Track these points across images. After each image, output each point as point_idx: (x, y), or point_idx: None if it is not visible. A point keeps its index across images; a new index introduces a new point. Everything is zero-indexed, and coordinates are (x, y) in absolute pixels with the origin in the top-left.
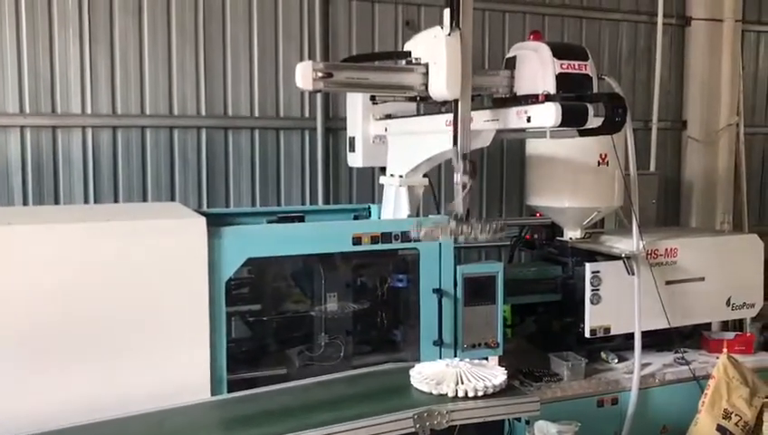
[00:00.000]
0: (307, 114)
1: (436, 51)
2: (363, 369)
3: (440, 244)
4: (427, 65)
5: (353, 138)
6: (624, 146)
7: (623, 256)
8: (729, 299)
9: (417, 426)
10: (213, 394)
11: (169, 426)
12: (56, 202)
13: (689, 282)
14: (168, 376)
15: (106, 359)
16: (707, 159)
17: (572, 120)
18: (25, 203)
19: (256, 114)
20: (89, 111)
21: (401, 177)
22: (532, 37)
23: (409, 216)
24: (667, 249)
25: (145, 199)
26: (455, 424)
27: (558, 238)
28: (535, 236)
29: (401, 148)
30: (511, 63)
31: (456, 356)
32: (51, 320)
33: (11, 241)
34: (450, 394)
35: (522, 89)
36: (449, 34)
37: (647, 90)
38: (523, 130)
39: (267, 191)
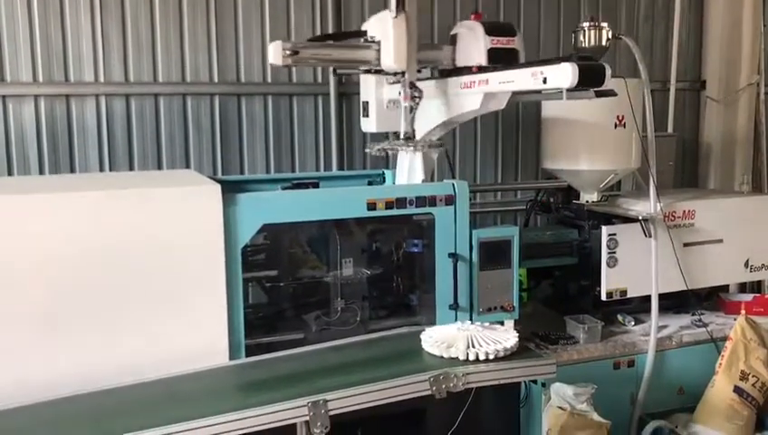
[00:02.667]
0: (320, 80)
1: (385, 30)
2: (376, 333)
3: (456, 209)
4: (379, 42)
5: (367, 102)
6: (642, 107)
7: (640, 218)
8: (747, 261)
9: (434, 388)
10: (231, 359)
11: (187, 390)
12: (72, 171)
13: (707, 244)
14: (186, 342)
15: (124, 326)
16: (726, 119)
17: (589, 80)
18: (42, 172)
19: (269, 80)
20: (102, 79)
21: (416, 141)
22: (473, 17)
23: (424, 181)
24: (684, 211)
25: (160, 167)
26: (471, 387)
27: (574, 201)
28: (551, 199)
29: (416, 112)
30: (453, 40)
31: (471, 320)
32: (68, 288)
33: (28, 210)
34: (461, 357)
35: (460, 61)
36: (396, 17)
37: (664, 50)
38: (539, 91)
39: (281, 158)
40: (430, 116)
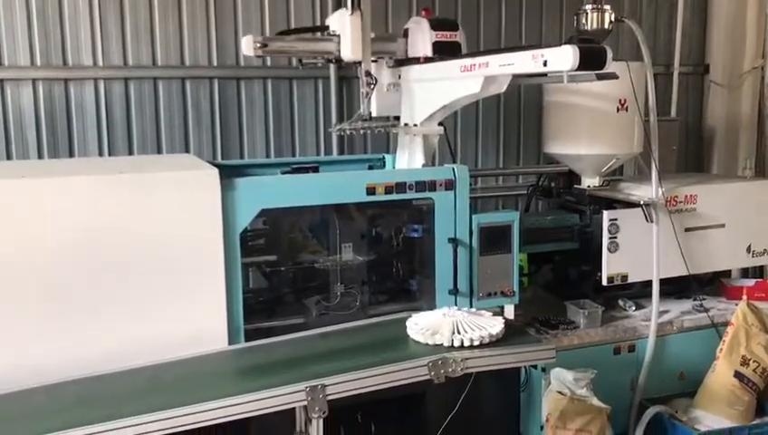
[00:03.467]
0: (319, 63)
1: (343, 25)
2: (363, 321)
3: (455, 193)
4: (339, 36)
5: None
6: (644, 91)
7: (642, 203)
8: (749, 246)
9: (432, 373)
10: (230, 344)
11: (186, 374)
12: (71, 155)
13: (709, 229)
14: (184, 327)
15: (123, 310)
16: (730, 103)
17: (590, 63)
18: (40, 156)
19: (269, 64)
20: (100, 62)
21: (416, 125)
22: (423, 13)
23: (424, 165)
24: (686, 196)
25: (159, 151)
26: (470, 372)
27: (576, 186)
28: (552, 184)
29: (416, 95)
30: (405, 33)
31: (471, 305)
32: (67, 272)
33: (28, 194)
34: (446, 344)
35: (411, 53)
36: (351, 14)
37: (668, 33)
38: (540, 74)
39: (281, 142)
40: (430, 100)
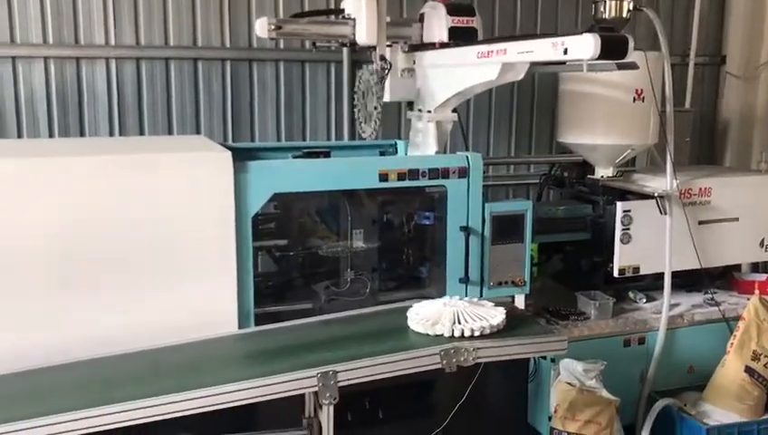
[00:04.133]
0: (332, 47)
1: (359, 9)
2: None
3: (469, 181)
4: (354, 19)
5: None
6: (661, 82)
7: (656, 195)
8: (763, 240)
9: (444, 362)
10: (240, 327)
11: (197, 357)
12: (81, 134)
13: (723, 222)
14: (195, 309)
15: (133, 292)
16: (746, 95)
17: (612, 52)
18: (51, 135)
19: (281, 46)
20: (112, 42)
21: (429, 112)
22: None
23: (437, 152)
24: (701, 188)
25: (170, 133)
26: (481, 361)
27: (589, 176)
28: (565, 173)
29: (431, 81)
30: (421, 18)
31: (481, 295)
32: (78, 253)
33: (40, 173)
34: (446, 334)
35: (426, 38)
36: None
37: (685, 22)
38: (558, 63)
39: (292, 126)
40: (445, 86)
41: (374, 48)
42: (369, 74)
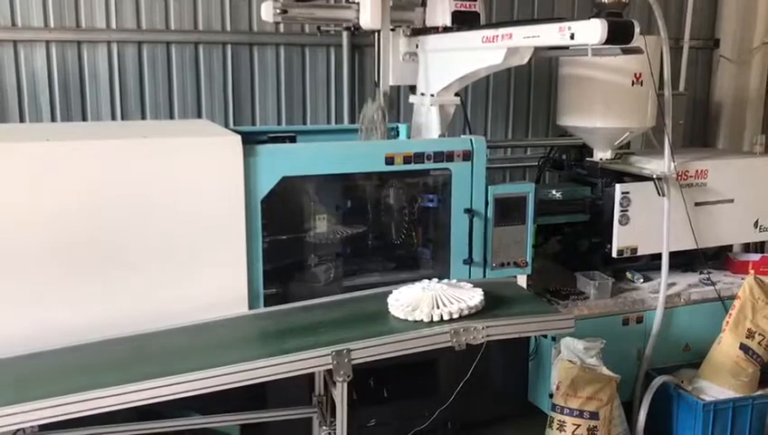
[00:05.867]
0: (332, 31)
1: None
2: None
3: (473, 165)
4: (358, 3)
5: None
6: (659, 65)
7: (654, 177)
8: (757, 221)
9: (454, 340)
10: (250, 308)
11: (210, 338)
12: (84, 119)
13: (718, 204)
14: (207, 291)
15: (144, 274)
16: (739, 78)
17: (618, 37)
18: (53, 119)
19: (281, 30)
20: (113, 25)
21: (432, 96)
22: None
23: (440, 136)
24: (698, 171)
25: (171, 116)
26: (491, 339)
27: (587, 159)
28: (564, 156)
29: (434, 65)
30: (423, 2)
31: (484, 275)
32: (90, 235)
33: (51, 157)
34: (425, 320)
35: (429, 22)
36: None
37: (678, 6)
38: (562, 47)
39: (293, 109)
40: (448, 70)
41: (378, 32)
42: (374, 111)
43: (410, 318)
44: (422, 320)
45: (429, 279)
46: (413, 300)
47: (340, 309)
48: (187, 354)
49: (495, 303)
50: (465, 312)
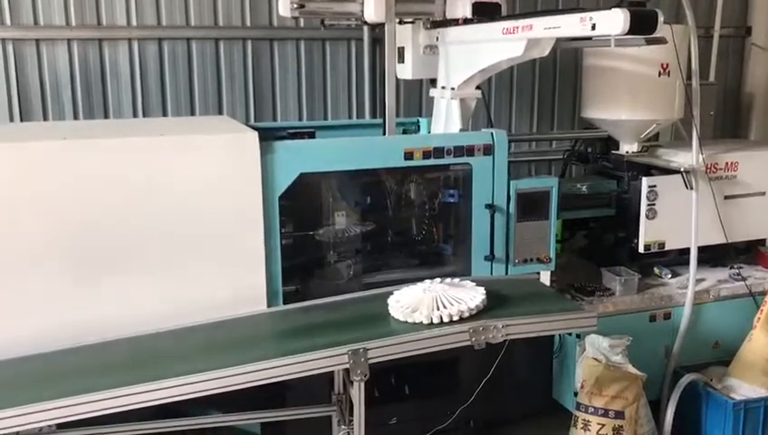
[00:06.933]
0: (353, 24)
1: None
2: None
3: (494, 159)
4: None
5: (402, 48)
6: (687, 55)
7: (682, 170)
8: None
9: (473, 339)
10: (269, 306)
11: (229, 336)
12: (105, 116)
13: (749, 197)
14: (225, 289)
15: (162, 272)
16: None
17: (641, 27)
18: (76, 117)
19: (302, 25)
20: (134, 22)
21: (453, 89)
22: None
23: (461, 130)
24: (727, 163)
25: (193, 113)
26: (510, 338)
27: (613, 152)
28: (589, 149)
29: (454, 58)
30: None
31: (506, 271)
32: (107, 233)
33: (70, 155)
34: (425, 322)
35: (449, 14)
36: None
37: None
38: (584, 38)
39: (314, 104)
40: (469, 63)
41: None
42: None
43: (410, 320)
44: (422, 322)
45: (452, 276)
46: (413, 302)
47: (339, 311)
48: (205, 353)
49: (516, 301)
50: (466, 314)
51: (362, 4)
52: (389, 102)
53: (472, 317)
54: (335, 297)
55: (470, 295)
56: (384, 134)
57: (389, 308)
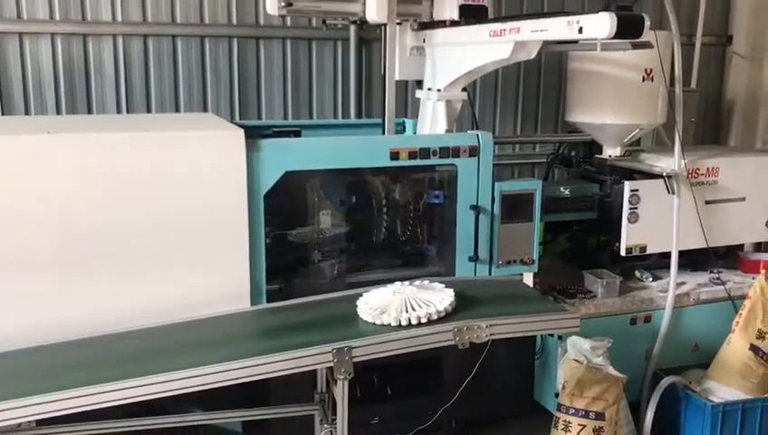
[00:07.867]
0: (340, 24)
1: None
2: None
3: (479, 160)
4: None
5: None
6: (670, 61)
7: (664, 174)
8: None
9: (457, 339)
10: (253, 304)
11: (212, 334)
12: (89, 112)
13: (729, 202)
14: (209, 286)
15: (146, 270)
16: (752, 75)
17: (627, 31)
18: (59, 112)
19: (288, 23)
20: (119, 18)
21: (439, 90)
22: None
23: (447, 131)
24: (708, 168)
25: (177, 110)
26: (494, 338)
27: (597, 156)
28: (572, 153)
29: (441, 60)
30: None
31: (490, 272)
32: (93, 229)
33: (53, 150)
34: (393, 324)
35: (437, 16)
36: None
37: (691, 2)
38: (570, 41)
39: (299, 104)
40: (455, 65)
41: (383, 26)
42: None
43: (378, 322)
44: (389, 324)
45: (436, 277)
46: (382, 303)
47: (310, 311)
48: (187, 350)
49: (499, 301)
50: (434, 316)
51: (364, 4)
52: (389, 102)
53: (449, 317)
54: (308, 298)
55: (439, 298)
56: (383, 133)
57: (358, 310)
